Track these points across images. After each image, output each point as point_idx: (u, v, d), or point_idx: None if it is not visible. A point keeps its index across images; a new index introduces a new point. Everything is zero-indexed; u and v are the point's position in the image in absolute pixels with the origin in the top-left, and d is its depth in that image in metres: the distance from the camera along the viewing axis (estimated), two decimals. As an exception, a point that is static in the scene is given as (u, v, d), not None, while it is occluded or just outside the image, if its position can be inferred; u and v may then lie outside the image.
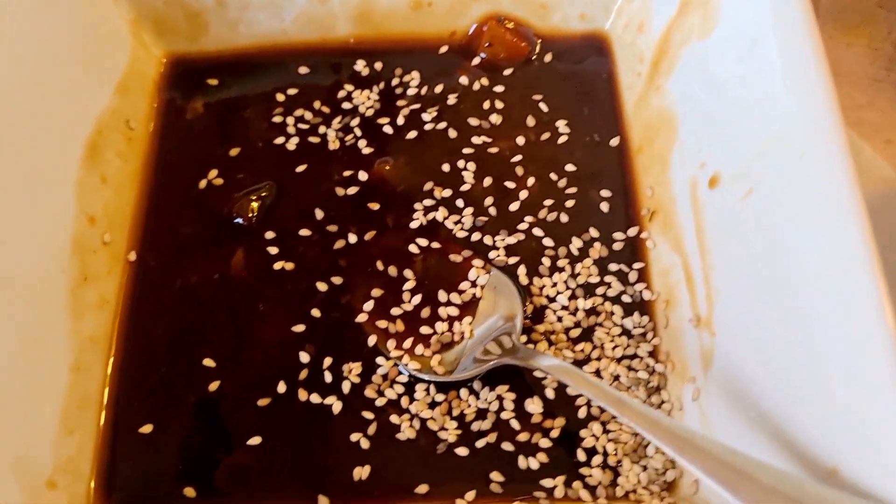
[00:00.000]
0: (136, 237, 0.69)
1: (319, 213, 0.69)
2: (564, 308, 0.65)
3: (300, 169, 0.72)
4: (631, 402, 0.51)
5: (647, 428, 0.49)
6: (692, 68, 0.65)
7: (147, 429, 0.61)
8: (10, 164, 0.59)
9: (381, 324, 0.64)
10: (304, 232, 0.68)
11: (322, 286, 0.66)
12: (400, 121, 0.74)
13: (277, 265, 0.67)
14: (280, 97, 0.75)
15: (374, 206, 0.70)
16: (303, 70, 0.77)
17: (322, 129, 0.74)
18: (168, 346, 0.64)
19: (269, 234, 0.68)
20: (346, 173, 0.71)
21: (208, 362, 0.63)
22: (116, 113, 0.71)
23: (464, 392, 0.61)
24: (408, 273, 0.66)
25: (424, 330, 0.63)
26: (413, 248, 0.67)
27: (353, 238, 0.68)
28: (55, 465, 0.58)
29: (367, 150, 0.72)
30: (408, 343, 0.63)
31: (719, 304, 0.57)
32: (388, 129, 0.73)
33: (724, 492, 0.43)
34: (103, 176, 0.68)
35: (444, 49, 0.78)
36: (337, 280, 0.66)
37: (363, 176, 0.71)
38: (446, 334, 0.63)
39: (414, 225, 0.68)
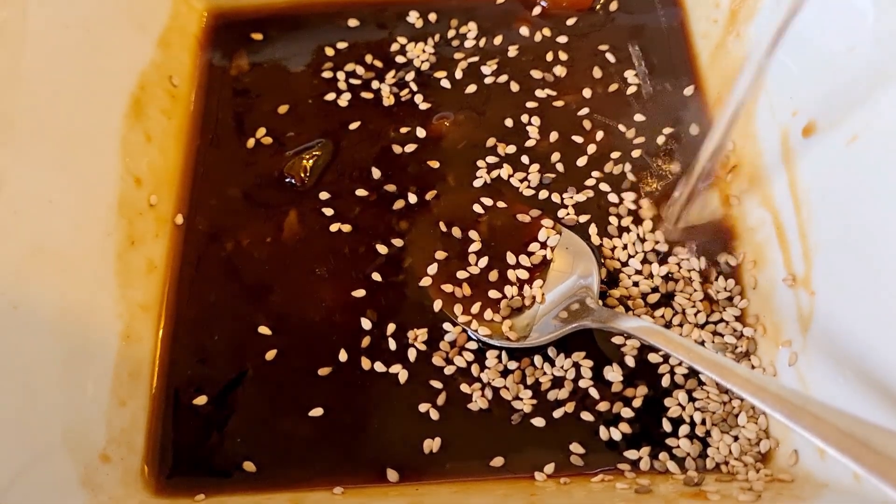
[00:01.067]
0: (182, 199, 0.65)
1: (377, 173, 0.65)
2: (638, 272, 0.60)
3: (353, 126, 0.67)
4: (732, 365, 0.46)
5: (753, 392, 0.44)
6: (778, 10, 0.60)
7: (201, 400, 0.57)
8: (55, 118, 0.56)
9: (447, 288, 0.60)
10: (361, 192, 0.64)
11: (382, 248, 0.62)
12: (458, 74, 0.69)
13: (334, 227, 0.63)
14: (329, 51, 0.71)
15: (434, 164, 0.65)
16: (352, 23, 0.73)
17: (375, 84, 0.69)
18: (221, 313, 0.61)
19: (324, 195, 0.64)
20: (403, 130, 0.67)
21: (264, 330, 0.59)
22: (159, 68, 0.67)
23: (538, 359, 0.57)
24: (473, 234, 0.62)
25: (493, 294, 0.59)
26: (477, 208, 0.63)
27: (413, 198, 0.64)
28: (109, 438, 0.54)
29: (424, 106, 0.68)
30: (476, 308, 0.59)
31: (819, 261, 0.53)
32: (445, 84, 0.69)
33: (847, 460, 0.39)
34: (148, 134, 0.64)
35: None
36: (398, 242, 0.62)
37: (421, 133, 0.67)
38: (516, 299, 0.59)
39: (477, 183, 0.64)
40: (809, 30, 0.56)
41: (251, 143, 0.67)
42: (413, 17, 0.72)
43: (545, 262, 0.60)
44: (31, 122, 0.54)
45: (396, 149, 0.66)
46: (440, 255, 0.61)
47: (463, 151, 0.66)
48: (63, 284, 0.54)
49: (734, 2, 0.65)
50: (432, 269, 0.61)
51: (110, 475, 0.53)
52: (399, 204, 0.64)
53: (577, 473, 0.54)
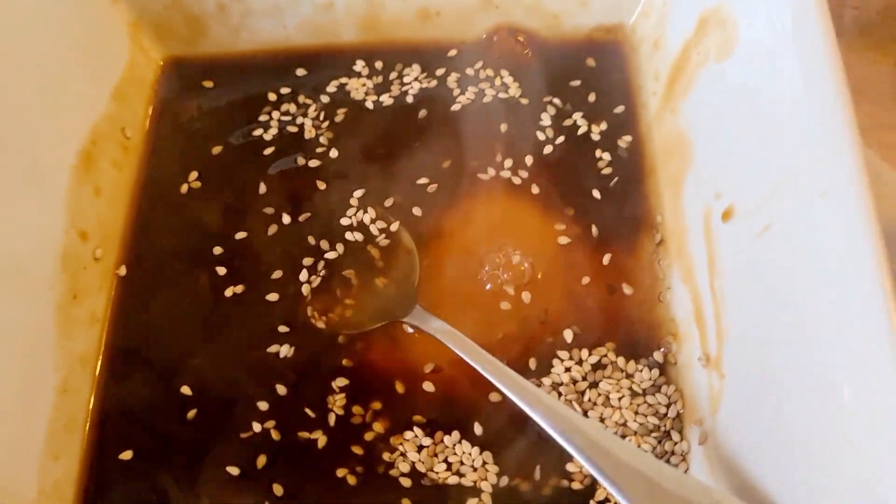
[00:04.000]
0: (126, 250, 0.67)
1: (263, 188, 0.68)
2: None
3: (267, 151, 0.70)
4: (511, 374, 0.54)
5: (523, 400, 0.51)
6: (709, 90, 0.62)
7: (127, 455, 0.59)
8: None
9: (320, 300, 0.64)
10: (240, 235, 0.67)
11: (273, 297, 0.64)
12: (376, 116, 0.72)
13: (228, 292, 0.64)
14: (272, 96, 0.73)
15: (322, 186, 0.69)
16: (300, 72, 0.74)
17: (300, 120, 0.72)
18: (149, 369, 0.62)
19: (217, 250, 0.66)
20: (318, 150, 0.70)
21: (185, 390, 0.61)
22: (113, 121, 0.69)
23: (448, 439, 0.59)
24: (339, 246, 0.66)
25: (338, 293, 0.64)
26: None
27: (286, 219, 0.67)
28: (40, 491, 0.56)
29: (333, 152, 0.70)
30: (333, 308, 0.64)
31: (730, 344, 0.55)
32: (361, 120, 0.72)
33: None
34: (97, 187, 0.66)
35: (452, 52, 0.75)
36: (277, 274, 0.65)
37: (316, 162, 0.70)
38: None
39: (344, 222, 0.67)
40: (733, 115, 0.58)
41: (185, 188, 0.69)
42: (360, 66, 0.74)
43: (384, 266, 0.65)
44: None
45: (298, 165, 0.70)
46: (307, 261, 0.65)
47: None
48: (1, 338, 0.56)
49: (670, 73, 0.67)
50: (303, 276, 0.65)
51: (39, 529, 0.55)
52: (273, 229, 0.67)
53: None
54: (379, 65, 0.75)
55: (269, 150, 0.70)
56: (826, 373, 0.45)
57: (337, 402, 0.60)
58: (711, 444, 0.55)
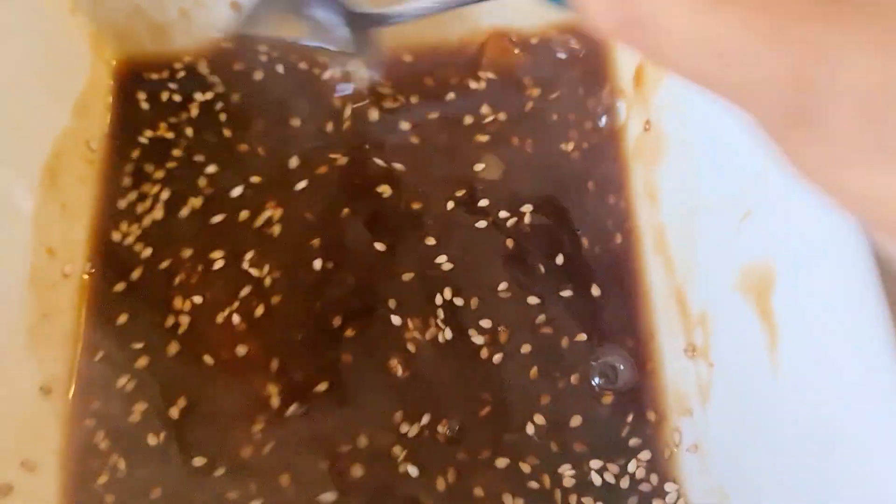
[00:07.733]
0: (98, 265, 0.65)
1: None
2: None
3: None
4: None
5: None
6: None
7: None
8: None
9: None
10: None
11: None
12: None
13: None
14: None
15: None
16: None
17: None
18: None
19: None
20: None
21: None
22: (76, 134, 0.67)
23: None
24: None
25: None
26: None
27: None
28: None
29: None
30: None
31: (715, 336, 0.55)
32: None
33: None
34: (63, 203, 0.64)
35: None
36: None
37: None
38: None
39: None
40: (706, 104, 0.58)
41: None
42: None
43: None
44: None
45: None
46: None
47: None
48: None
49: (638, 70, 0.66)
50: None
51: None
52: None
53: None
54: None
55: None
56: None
57: None
58: (702, 436, 0.55)
